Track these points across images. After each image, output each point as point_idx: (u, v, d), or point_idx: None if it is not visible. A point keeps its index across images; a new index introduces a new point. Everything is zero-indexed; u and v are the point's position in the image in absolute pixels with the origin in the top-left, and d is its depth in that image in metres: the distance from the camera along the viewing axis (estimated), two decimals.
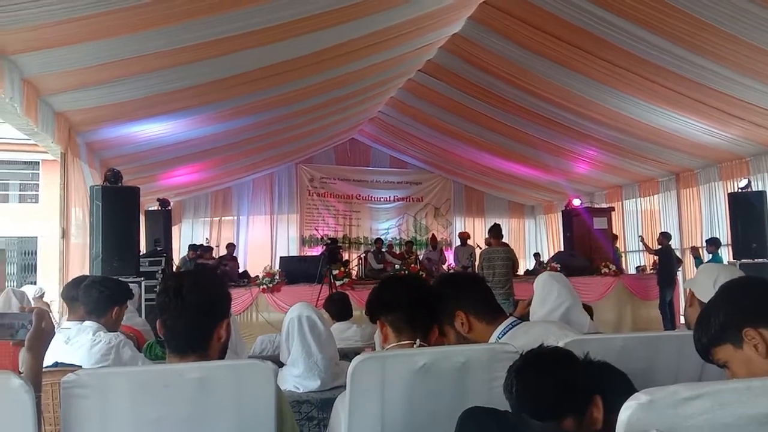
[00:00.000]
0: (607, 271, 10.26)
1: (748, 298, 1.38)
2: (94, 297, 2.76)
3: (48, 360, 2.42)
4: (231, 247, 11.94)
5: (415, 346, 1.81)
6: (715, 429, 1.02)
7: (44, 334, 1.55)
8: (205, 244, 11.71)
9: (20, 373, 1.47)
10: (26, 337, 1.52)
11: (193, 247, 11.00)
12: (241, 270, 11.26)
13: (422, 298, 1.92)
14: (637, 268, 11.82)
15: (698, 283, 2.14)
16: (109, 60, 5.17)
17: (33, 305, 2.72)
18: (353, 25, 6.26)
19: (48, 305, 7.07)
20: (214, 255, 11.51)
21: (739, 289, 1.43)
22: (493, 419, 1.23)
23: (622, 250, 12.65)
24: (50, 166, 16.12)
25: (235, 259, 11.64)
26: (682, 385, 1.04)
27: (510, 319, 2.01)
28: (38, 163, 17.98)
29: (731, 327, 1.34)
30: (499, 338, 1.94)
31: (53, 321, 1.64)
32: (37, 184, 18.45)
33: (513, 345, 1.71)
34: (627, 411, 1.01)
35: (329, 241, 10.82)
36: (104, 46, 4.89)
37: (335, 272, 9.09)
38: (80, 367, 2.37)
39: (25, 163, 18.28)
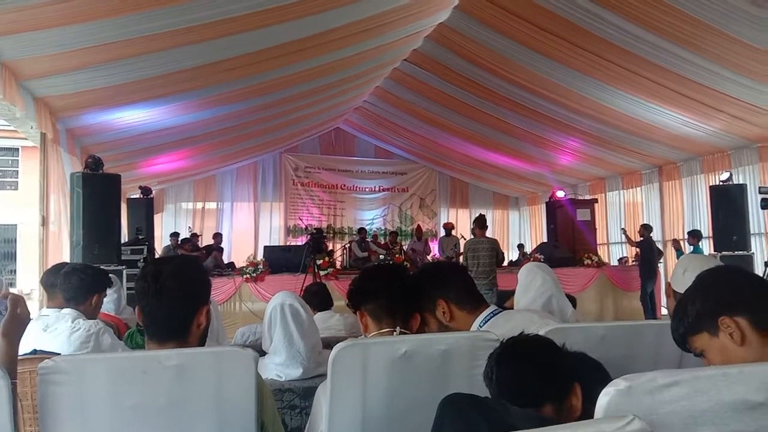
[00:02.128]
0: (589, 262, 10.35)
1: (723, 286, 1.38)
2: (74, 284, 2.72)
3: (26, 347, 2.40)
4: (218, 237, 11.86)
5: (395, 333, 1.81)
6: (691, 415, 1.02)
7: (19, 320, 1.53)
8: (188, 235, 11.62)
9: None
10: (1, 323, 1.50)
11: (174, 235, 10.91)
12: (226, 261, 11.20)
13: (402, 287, 1.92)
14: (619, 259, 11.93)
15: (674, 274, 2.21)
16: (90, 44, 5.09)
17: None
18: (338, 12, 6.22)
19: None
20: (198, 244, 11.43)
21: (714, 277, 1.43)
22: (473, 406, 1.22)
23: (605, 241, 12.80)
24: (30, 153, 15.88)
25: (221, 249, 11.55)
26: (659, 372, 1.05)
27: (491, 308, 2.01)
28: (18, 149, 17.72)
29: (707, 316, 1.35)
30: (481, 326, 1.95)
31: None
32: (17, 171, 18.18)
33: (494, 333, 1.72)
34: (606, 397, 1.01)
35: (314, 231, 10.80)
36: (85, 29, 4.82)
37: (319, 262, 9.07)
38: (59, 354, 2.34)
39: (4, 149, 17.99)
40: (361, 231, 12.57)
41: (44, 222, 6.44)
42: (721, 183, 8.57)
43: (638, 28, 6.32)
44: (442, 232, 12.60)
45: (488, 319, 1.96)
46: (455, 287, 2.03)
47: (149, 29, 5.16)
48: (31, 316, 1.64)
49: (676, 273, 2.15)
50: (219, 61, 6.49)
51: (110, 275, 3.19)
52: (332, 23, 6.50)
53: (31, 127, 5.99)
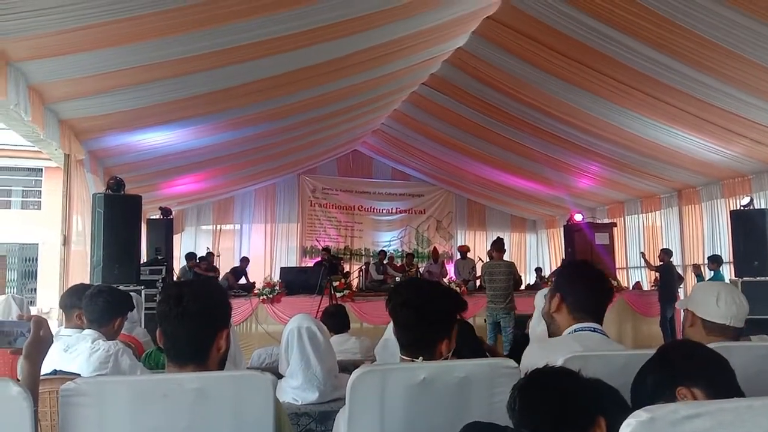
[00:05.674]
0: None
1: (683, 359, 1.51)
2: (100, 306, 2.75)
3: (47, 368, 2.42)
4: (245, 261, 11.92)
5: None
6: None
7: (42, 342, 1.55)
8: (205, 254, 11.68)
9: (18, 381, 1.47)
10: (24, 345, 1.51)
11: (190, 256, 10.95)
12: (243, 282, 11.24)
13: (425, 318, 1.75)
14: (634, 285, 11.74)
15: (699, 302, 2.18)
16: (114, 69, 5.19)
17: None
18: (358, 37, 6.29)
19: None
20: (215, 264, 11.48)
21: (673, 351, 1.58)
22: None
23: (624, 265, 12.65)
24: (53, 173, 16.18)
25: (241, 273, 11.56)
26: (682, 403, 1.04)
27: (589, 324, 2.01)
28: (41, 170, 18.02)
29: (666, 386, 1.45)
30: (570, 334, 2.00)
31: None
32: (40, 191, 18.48)
33: (513, 361, 1.71)
34: (627, 428, 1.00)
35: (327, 251, 10.83)
36: (109, 54, 4.92)
37: (335, 284, 9.07)
38: (79, 375, 2.36)
39: (28, 169, 18.31)
40: (381, 253, 12.54)
41: (66, 242, 6.53)
42: (741, 208, 8.47)
43: (658, 53, 6.30)
44: (458, 255, 12.56)
45: (578, 331, 2.00)
46: (577, 293, 2.05)
47: (170, 54, 5.26)
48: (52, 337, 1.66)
49: (704, 302, 2.16)
50: (238, 86, 6.58)
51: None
52: (351, 49, 6.58)
53: (55, 149, 6.10)
